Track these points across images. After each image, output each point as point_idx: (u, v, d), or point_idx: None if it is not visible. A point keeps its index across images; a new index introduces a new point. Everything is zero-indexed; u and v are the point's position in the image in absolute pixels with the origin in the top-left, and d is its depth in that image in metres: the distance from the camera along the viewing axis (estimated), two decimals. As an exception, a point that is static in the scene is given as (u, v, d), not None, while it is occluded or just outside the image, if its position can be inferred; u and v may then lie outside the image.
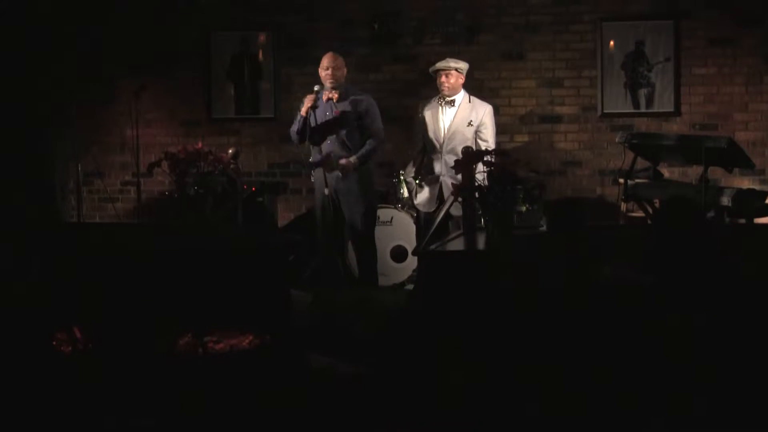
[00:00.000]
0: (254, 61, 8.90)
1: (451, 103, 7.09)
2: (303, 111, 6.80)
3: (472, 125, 7.07)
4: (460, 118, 7.07)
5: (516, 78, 8.64)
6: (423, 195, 7.20)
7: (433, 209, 7.09)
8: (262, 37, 8.89)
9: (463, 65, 7.13)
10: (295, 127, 6.95)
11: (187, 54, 8.91)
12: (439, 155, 7.08)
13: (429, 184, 7.14)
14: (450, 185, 6.86)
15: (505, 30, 8.62)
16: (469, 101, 7.14)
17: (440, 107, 7.12)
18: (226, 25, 8.89)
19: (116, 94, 8.85)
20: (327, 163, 6.78)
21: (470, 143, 6.96)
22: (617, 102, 8.51)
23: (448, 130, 7.07)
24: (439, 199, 7.07)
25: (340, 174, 6.85)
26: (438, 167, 7.09)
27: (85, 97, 8.81)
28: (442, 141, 7.07)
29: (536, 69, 8.61)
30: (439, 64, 7.12)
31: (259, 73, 8.89)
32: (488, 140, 7.10)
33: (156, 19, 8.88)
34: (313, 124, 6.75)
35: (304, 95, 6.98)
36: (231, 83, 8.91)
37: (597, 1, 8.50)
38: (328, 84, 6.88)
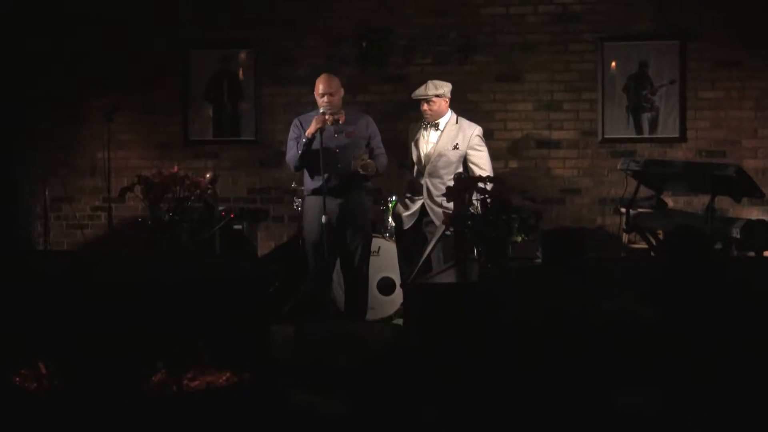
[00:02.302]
0: (234, 81, 8.93)
1: (436, 126, 7.12)
2: (310, 132, 6.68)
3: (458, 149, 7.05)
4: (445, 140, 7.08)
5: (512, 100, 8.69)
6: (402, 211, 7.21)
7: (407, 227, 7.10)
8: (242, 55, 8.93)
9: (445, 89, 7.09)
10: (293, 152, 6.81)
11: (163, 72, 8.94)
12: (423, 179, 7.10)
13: (411, 203, 7.15)
14: (432, 209, 6.89)
15: (500, 50, 8.68)
16: (456, 122, 7.14)
17: (424, 129, 7.16)
18: (205, 42, 8.92)
19: (87, 114, 8.87)
20: (356, 157, 6.67)
21: (455, 167, 6.99)
22: (619, 127, 8.56)
23: (432, 153, 7.08)
24: (418, 220, 7.08)
25: (338, 200, 6.78)
26: (421, 191, 7.10)
27: (56, 117, 8.84)
28: (424, 164, 7.11)
29: (533, 91, 8.66)
30: (418, 93, 7.12)
31: (239, 93, 8.92)
32: (482, 166, 7.07)
33: (130, 35, 8.91)
34: (316, 147, 6.64)
35: (288, 117, 6.99)
36: (209, 104, 8.94)
37: (598, 20, 8.57)
38: (325, 110, 6.73)
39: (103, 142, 8.09)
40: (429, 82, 7.10)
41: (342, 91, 6.87)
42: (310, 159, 6.71)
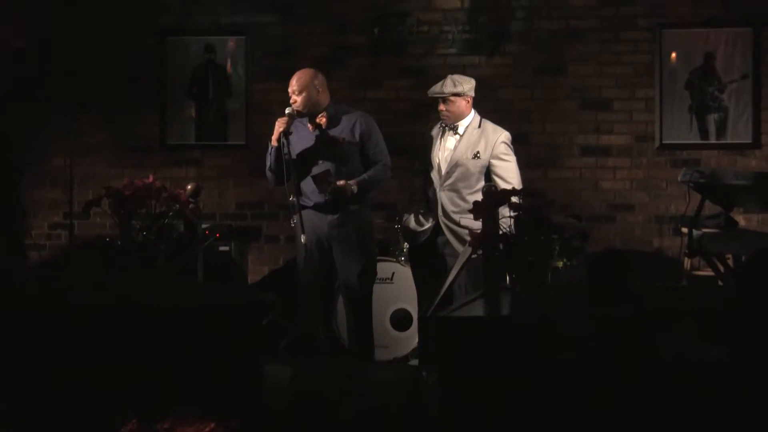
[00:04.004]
0: (221, 74, 8.98)
1: (455, 129, 7.05)
2: (273, 139, 6.72)
3: (479, 158, 6.95)
4: (464, 147, 6.98)
5: (552, 98, 8.71)
6: (413, 225, 7.18)
7: (416, 243, 7.09)
8: (231, 44, 8.97)
9: (466, 86, 7.00)
10: (267, 163, 6.87)
11: (136, 64, 8.98)
12: (437, 192, 7.05)
13: (424, 219, 7.10)
14: (449, 228, 6.86)
15: (539, 37, 8.70)
16: (479, 126, 7.05)
17: (442, 133, 7.10)
18: (187, 28, 8.97)
19: (47, 112, 8.91)
20: (321, 180, 6.69)
21: (475, 180, 6.92)
22: (680, 130, 8.57)
23: (448, 162, 7.00)
24: (432, 240, 7.02)
25: (334, 217, 6.81)
26: (436, 206, 7.05)
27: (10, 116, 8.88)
28: (439, 175, 7.04)
29: (578, 87, 8.68)
30: (434, 90, 7.06)
31: (227, 88, 8.96)
32: (509, 179, 6.96)
33: (99, 20, 8.96)
34: (294, 156, 6.69)
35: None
36: (191, 101, 8.98)
37: (656, 3, 8.59)
38: (291, 112, 6.75)
39: (65, 146, 8.12)
40: (448, 77, 7.04)
41: (320, 89, 6.82)
42: (282, 173, 6.74)
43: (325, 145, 6.79)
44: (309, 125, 6.81)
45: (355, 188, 6.74)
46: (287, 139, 6.65)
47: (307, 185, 6.79)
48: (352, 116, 6.94)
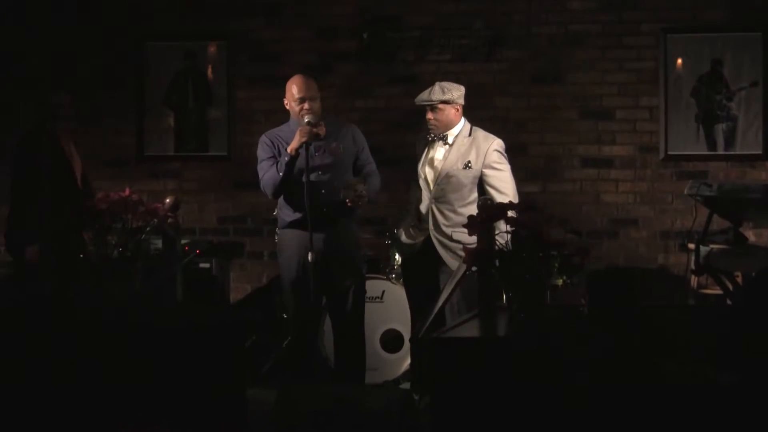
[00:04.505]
0: (202, 81, 8.98)
1: (444, 138, 7.05)
2: (293, 147, 6.65)
3: (470, 167, 6.94)
4: (454, 157, 6.97)
5: (551, 107, 8.73)
6: (404, 238, 7.19)
7: (406, 256, 7.10)
8: (212, 49, 8.98)
9: (455, 93, 6.99)
10: (271, 174, 6.74)
11: (112, 71, 8.98)
12: (428, 205, 7.05)
13: (416, 232, 7.10)
14: (441, 243, 6.86)
15: (537, 43, 8.73)
16: (469, 135, 7.05)
17: (431, 143, 7.10)
18: (165, 33, 8.97)
19: (17, 122, 8.88)
20: (350, 186, 6.60)
21: (467, 191, 6.91)
22: (686, 141, 8.60)
23: (438, 173, 7.01)
24: (423, 253, 7.01)
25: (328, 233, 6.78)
26: (427, 218, 7.05)
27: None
28: (430, 187, 7.04)
29: (578, 95, 8.70)
30: (420, 97, 7.06)
31: (208, 96, 8.96)
32: (503, 189, 6.96)
33: (70, 24, 8.96)
34: (301, 166, 6.62)
35: (270, 127, 6.95)
36: (170, 110, 8.98)
37: (660, 7, 8.62)
38: (310, 120, 6.68)
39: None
40: (436, 84, 7.04)
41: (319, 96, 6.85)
42: (286, 184, 6.70)
43: (325, 154, 6.77)
44: (320, 130, 6.72)
45: (367, 199, 6.78)
46: (307, 150, 6.57)
47: (312, 198, 6.69)
48: (345, 126, 6.98)
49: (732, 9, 8.53)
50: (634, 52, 8.65)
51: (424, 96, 7.00)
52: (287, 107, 6.82)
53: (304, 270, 6.66)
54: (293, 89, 6.77)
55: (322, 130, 6.70)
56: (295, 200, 6.75)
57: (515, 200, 6.77)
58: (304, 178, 6.53)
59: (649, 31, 8.62)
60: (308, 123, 6.60)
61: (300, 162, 6.58)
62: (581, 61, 8.69)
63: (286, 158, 6.63)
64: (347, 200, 6.63)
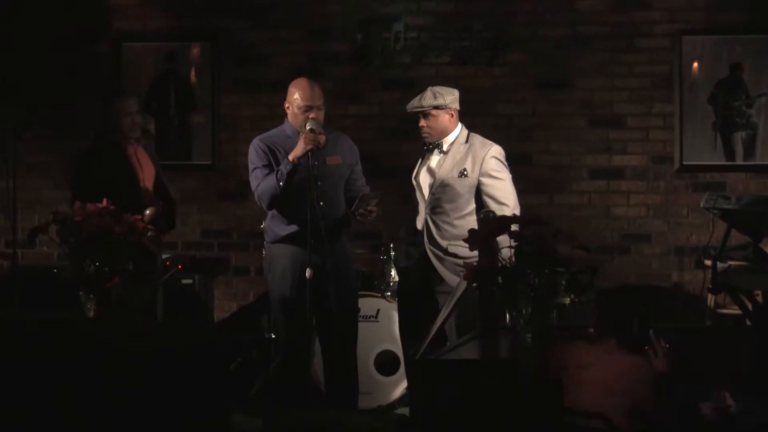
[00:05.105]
0: (184, 85, 8.99)
1: (440, 146, 7.04)
2: (296, 155, 6.59)
3: (466, 176, 6.92)
4: (449, 166, 6.95)
5: (557, 114, 8.74)
6: (401, 257, 7.21)
7: (404, 278, 7.11)
8: (196, 50, 8.98)
9: (448, 98, 6.94)
10: (269, 182, 6.69)
11: (87, 74, 8.99)
12: (423, 218, 7.05)
13: (413, 248, 7.10)
14: (438, 258, 6.86)
15: (542, 46, 8.74)
16: (466, 141, 7.03)
17: (427, 152, 7.10)
18: (144, 33, 8.98)
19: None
20: (365, 200, 6.67)
21: (464, 201, 6.91)
22: (703, 150, 8.61)
23: (432, 183, 7.00)
24: (420, 270, 7.01)
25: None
26: (423, 233, 7.04)
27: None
28: (425, 198, 7.03)
29: (587, 102, 8.71)
30: (411, 104, 7.04)
31: (190, 101, 8.97)
32: (502, 199, 6.93)
33: (43, 24, 8.96)
34: (303, 175, 6.60)
35: (257, 134, 6.94)
36: (150, 116, 8.97)
37: (675, 7, 8.63)
38: (314, 128, 6.60)
39: (7, 167, 8.11)
40: (428, 89, 7.02)
41: None
42: (287, 194, 6.68)
43: (324, 165, 6.76)
44: (321, 138, 6.71)
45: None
46: (310, 158, 6.54)
47: (299, 209, 6.67)
48: (341, 135, 7.01)
49: (752, 9, 8.54)
50: (646, 55, 8.67)
51: (414, 102, 6.99)
52: (287, 110, 6.82)
53: (299, 288, 6.65)
54: (298, 95, 6.75)
55: (322, 139, 6.70)
56: (290, 212, 6.74)
57: (516, 211, 6.78)
58: (305, 190, 6.54)
59: (663, 32, 8.64)
60: (311, 130, 6.60)
61: (300, 172, 6.60)
62: (590, 65, 8.71)
63: (288, 167, 6.59)
64: (357, 214, 6.65)
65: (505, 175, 6.96)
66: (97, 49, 8.99)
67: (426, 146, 7.05)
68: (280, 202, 6.74)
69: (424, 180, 7.02)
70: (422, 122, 6.97)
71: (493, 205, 6.80)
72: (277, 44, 8.89)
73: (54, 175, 8.97)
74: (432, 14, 8.79)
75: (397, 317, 7.33)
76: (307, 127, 6.58)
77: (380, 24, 8.78)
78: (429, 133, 6.98)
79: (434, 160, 7.00)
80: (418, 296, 7.02)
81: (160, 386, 5.09)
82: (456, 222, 6.80)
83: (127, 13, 8.98)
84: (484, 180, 6.87)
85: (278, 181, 6.63)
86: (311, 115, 6.67)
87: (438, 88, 6.99)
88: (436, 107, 6.92)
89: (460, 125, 7.03)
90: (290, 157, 6.59)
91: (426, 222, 6.96)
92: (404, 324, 7.17)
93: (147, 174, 7.37)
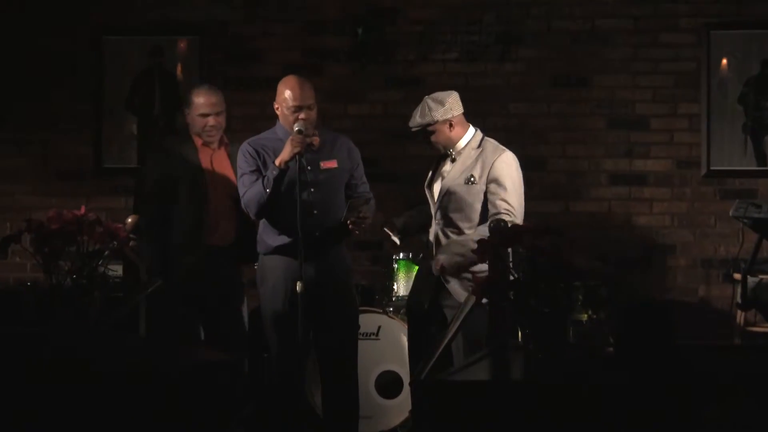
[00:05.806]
0: (170, 82, 9.00)
1: (451, 153, 7.00)
2: (283, 159, 6.57)
3: (474, 182, 6.89)
4: (457, 172, 6.91)
5: (574, 114, 8.76)
6: (422, 274, 7.21)
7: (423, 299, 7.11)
8: (182, 45, 8.99)
9: (437, 111, 6.81)
10: (256, 189, 6.66)
11: (65, 70, 9.00)
12: (434, 229, 7.04)
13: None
14: (439, 268, 6.86)
15: (557, 40, 8.75)
16: (479, 146, 6.99)
17: (440, 160, 7.09)
18: (127, 26, 8.99)
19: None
20: (354, 208, 6.64)
21: (472, 210, 6.89)
22: (732, 154, 8.62)
23: (440, 190, 6.98)
24: (429, 284, 7.02)
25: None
26: (433, 242, 7.04)
27: None
28: (434, 206, 7.02)
29: (606, 101, 8.72)
30: (412, 121, 6.95)
31: (176, 99, 8.98)
32: (510, 206, 6.91)
33: (16, 15, 8.97)
34: (292, 179, 6.58)
35: (249, 135, 6.93)
36: (133, 115, 8.99)
37: (701, 0, 8.64)
38: (302, 129, 6.59)
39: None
40: (424, 100, 6.97)
41: None
42: (277, 202, 6.67)
43: (321, 170, 6.76)
44: (314, 140, 6.69)
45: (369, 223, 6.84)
46: (298, 162, 6.51)
47: (292, 218, 6.66)
48: (339, 138, 7.00)
49: (786, 1, 8.58)
50: (671, 51, 8.68)
51: (414, 120, 6.96)
52: (276, 111, 6.82)
53: (291, 302, 6.65)
54: (287, 94, 6.74)
55: (316, 141, 6.68)
56: (281, 222, 6.74)
57: (519, 220, 6.78)
58: (296, 196, 6.51)
59: (690, 27, 8.65)
60: (299, 132, 6.58)
61: (290, 177, 6.58)
62: (610, 61, 8.72)
63: (275, 172, 6.58)
64: (348, 223, 6.64)
65: (512, 183, 6.91)
66: (75, 43, 8.99)
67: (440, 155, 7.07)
68: (268, 210, 6.73)
69: (435, 188, 7.03)
70: (425, 137, 6.98)
71: (499, 209, 6.76)
72: (270, 39, 8.90)
73: (28, 180, 8.97)
74: (438, 6, 8.80)
75: (406, 337, 7.34)
76: (295, 128, 6.56)
77: (382, 17, 8.78)
78: (435, 147, 6.98)
79: (446, 167, 7.01)
80: (429, 313, 7.03)
81: (140, 412, 5.10)
82: (468, 233, 6.79)
83: (108, 4, 8.98)
84: (492, 186, 6.84)
85: (265, 187, 6.63)
86: (301, 116, 6.66)
87: (430, 100, 6.92)
88: (429, 125, 6.89)
89: (471, 129, 7.00)
90: (277, 162, 6.58)
91: (436, 233, 6.96)
92: (414, 344, 7.17)
93: (220, 185, 7.27)
